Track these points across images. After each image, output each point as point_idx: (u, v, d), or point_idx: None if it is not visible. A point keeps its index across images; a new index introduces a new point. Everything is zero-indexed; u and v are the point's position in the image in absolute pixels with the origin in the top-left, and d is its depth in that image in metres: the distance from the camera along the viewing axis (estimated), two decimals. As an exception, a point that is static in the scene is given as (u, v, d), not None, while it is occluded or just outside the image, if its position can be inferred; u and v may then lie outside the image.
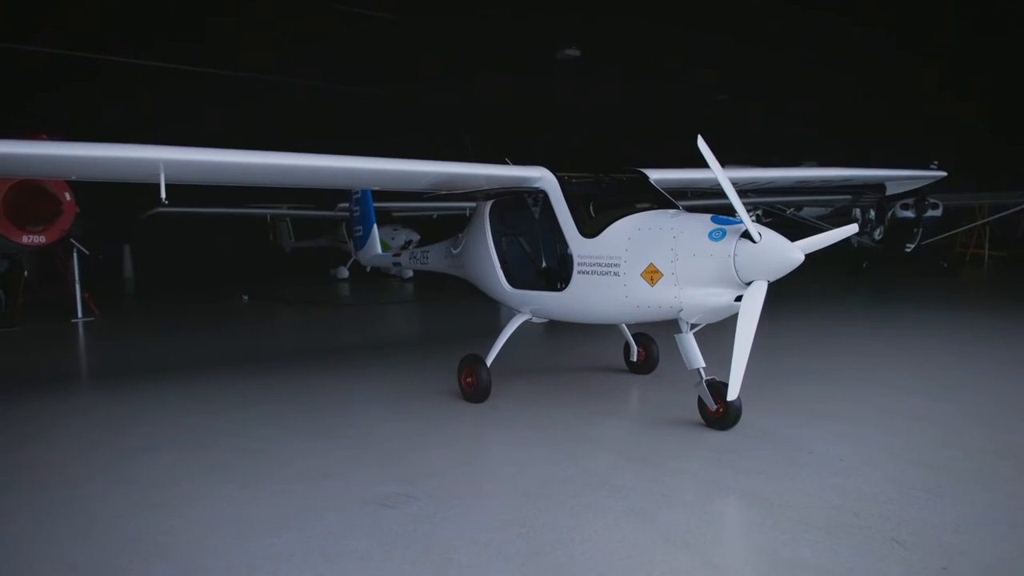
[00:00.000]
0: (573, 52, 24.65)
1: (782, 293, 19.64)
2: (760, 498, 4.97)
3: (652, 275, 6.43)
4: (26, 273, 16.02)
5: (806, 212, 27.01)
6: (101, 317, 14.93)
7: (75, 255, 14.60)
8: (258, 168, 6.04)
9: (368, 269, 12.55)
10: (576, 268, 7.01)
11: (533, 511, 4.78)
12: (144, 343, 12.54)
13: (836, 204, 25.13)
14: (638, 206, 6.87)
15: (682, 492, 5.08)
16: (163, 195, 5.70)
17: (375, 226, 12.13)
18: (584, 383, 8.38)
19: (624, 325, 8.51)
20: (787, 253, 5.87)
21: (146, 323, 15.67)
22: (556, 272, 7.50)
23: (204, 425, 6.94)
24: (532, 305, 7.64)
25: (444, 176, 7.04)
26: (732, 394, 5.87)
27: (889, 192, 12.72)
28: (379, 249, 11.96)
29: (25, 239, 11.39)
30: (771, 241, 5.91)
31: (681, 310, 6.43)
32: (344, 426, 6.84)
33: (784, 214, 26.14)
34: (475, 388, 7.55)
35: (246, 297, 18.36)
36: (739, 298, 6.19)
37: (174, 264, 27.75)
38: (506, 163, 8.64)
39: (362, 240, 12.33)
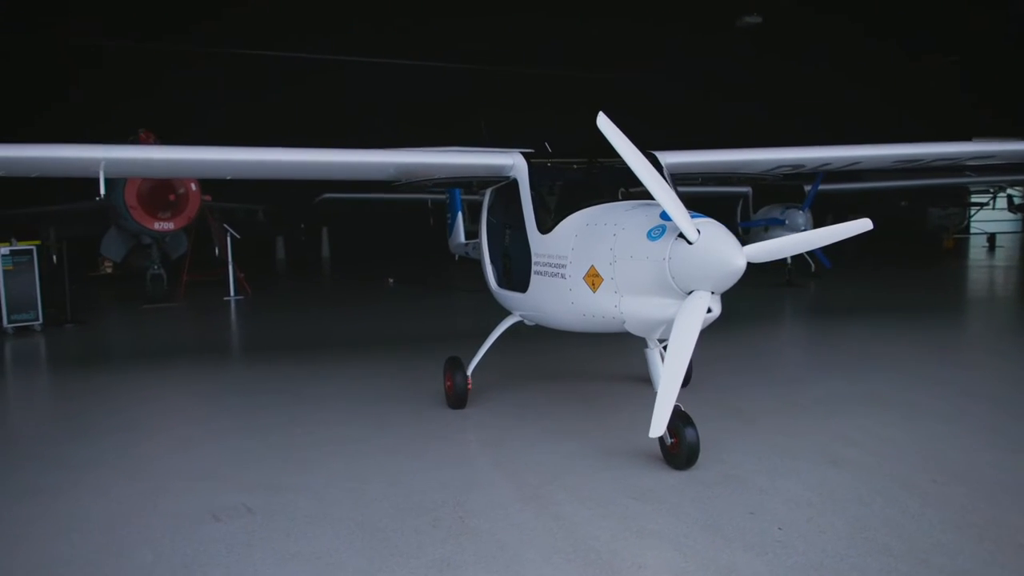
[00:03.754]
0: (754, 19, 22.41)
1: (953, 297, 16.31)
2: (614, 573, 3.97)
3: (593, 279, 5.46)
4: (217, 251, 18.00)
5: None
6: (251, 296, 16.37)
7: (228, 239, 16.11)
8: (196, 163, 6.06)
9: (456, 257, 12.41)
10: (532, 267, 6.19)
11: (338, 544, 4.25)
12: (263, 322, 13.52)
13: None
14: (595, 198, 5.86)
15: (529, 549, 4.21)
16: (101, 190, 5.91)
17: (460, 215, 11.96)
18: (589, 395, 7.45)
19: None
20: (727, 260, 4.66)
21: (287, 301, 16.88)
22: (523, 271, 6.71)
23: (183, 410, 7.21)
24: (512, 307, 6.91)
25: (406, 166, 6.57)
26: (654, 430, 4.77)
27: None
28: (463, 238, 11.77)
29: (157, 226, 12.78)
30: (708, 243, 4.71)
31: (624, 322, 5.38)
32: (296, 424, 6.69)
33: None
34: (451, 394, 7.03)
35: (391, 280, 19.13)
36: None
37: (364, 246, 29.78)
38: (546, 148, 7.95)
39: (450, 228, 12.22)
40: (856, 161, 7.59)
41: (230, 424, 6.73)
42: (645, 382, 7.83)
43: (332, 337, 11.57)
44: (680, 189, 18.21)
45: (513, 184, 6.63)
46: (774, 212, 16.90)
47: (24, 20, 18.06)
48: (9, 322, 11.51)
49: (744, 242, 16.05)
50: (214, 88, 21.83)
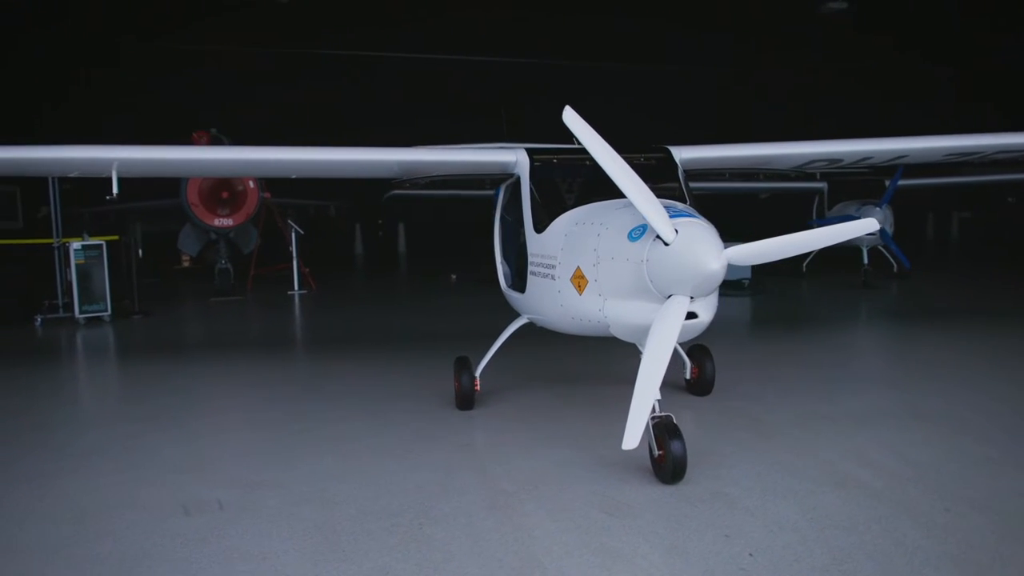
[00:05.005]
0: (839, 4, 21.20)
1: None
2: (549, 588, 3.76)
3: (579, 281, 5.23)
4: (303, 250, 18.56)
5: None
6: (315, 290, 16.81)
7: (293, 235, 16.59)
8: (204, 163, 6.20)
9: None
10: (528, 267, 6.01)
11: (287, 545, 4.21)
12: (315, 317, 13.87)
13: None
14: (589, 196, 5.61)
15: (474, 561, 4.03)
16: (115, 190, 6.12)
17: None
18: (605, 400, 7.15)
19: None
20: (700, 262, 4.34)
21: (348, 297, 17.21)
22: (523, 271, 6.51)
23: (201, 403, 7.41)
24: (516, 307, 6.74)
25: (409, 163, 6.51)
26: (627, 442, 4.51)
27: None
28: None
29: (216, 222, 13.30)
30: (683, 244, 4.41)
31: (608, 326, 5.13)
32: (300, 420, 6.73)
33: None
34: (458, 394, 6.92)
35: (454, 276, 19.23)
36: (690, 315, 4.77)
37: (439, 241, 30.12)
38: (574, 143, 7.77)
39: (496, 225, 12.12)
40: (902, 155, 6.96)
41: (239, 418, 6.88)
42: (678, 390, 7.51)
43: (372, 333, 11.71)
44: (754, 184, 17.29)
45: (518, 181, 6.46)
46: (849, 209, 15.94)
47: (35, 16, 17.73)
48: (80, 312, 12.24)
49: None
50: (234, 85, 22.12)
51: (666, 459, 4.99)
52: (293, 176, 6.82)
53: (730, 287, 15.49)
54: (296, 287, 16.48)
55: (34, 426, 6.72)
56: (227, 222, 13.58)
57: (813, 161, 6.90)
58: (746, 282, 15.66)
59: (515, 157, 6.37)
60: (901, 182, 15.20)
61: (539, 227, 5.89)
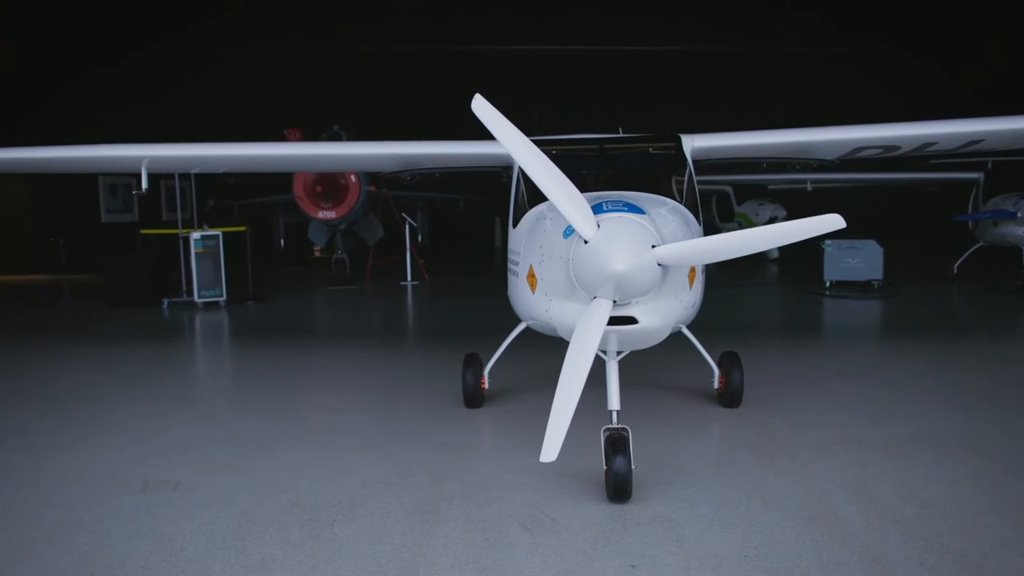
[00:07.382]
0: None
1: None
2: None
3: (532, 279, 4.94)
4: (420, 238, 19.24)
5: None
6: (428, 281, 17.26)
7: (407, 228, 17.10)
8: (228, 158, 6.54)
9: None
10: (508, 263, 5.76)
11: (199, 530, 4.33)
12: (416, 307, 14.27)
13: None
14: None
15: (353, 564, 3.94)
16: (144, 185, 6.60)
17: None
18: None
19: (693, 338, 6.50)
20: (606, 262, 3.93)
21: (456, 289, 17.39)
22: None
23: (237, 387, 7.83)
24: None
25: (410, 157, 6.46)
26: (545, 455, 4.20)
27: None
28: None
29: (320, 214, 13.99)
30: (597, 242, 4.01)
31: (555, 328, 4.80)
32: (312, 408, 6.96)
33: None
34: (464, 392, 6.79)
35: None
36: (624, 319, 4.39)
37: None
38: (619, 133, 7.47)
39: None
40: (975, 139, 5.84)
41: (259, 404, 7.15)
42: (700, 396, 6.93)
43: (447, 325, 11.82)
44: (907, 175, 15.63)
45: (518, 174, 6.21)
46: (1007, 203, 13.83)
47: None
48: (199, 297, 13.43)
49: (975, 238, 13.58)
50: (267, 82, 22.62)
51: (608, 476, 4.60)
52: (299, 171, 7.02)
53: (859, 289, 14.06)
54: (408, 278, 17.01)
55: (78, 400, 7.39)
56: (330, 214, 14.30)
57: (860, 149, 5.98)
58: (876, 284, 14.12)
59: (511, 149, 6.11)
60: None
61: (516, 222, 5.63)
